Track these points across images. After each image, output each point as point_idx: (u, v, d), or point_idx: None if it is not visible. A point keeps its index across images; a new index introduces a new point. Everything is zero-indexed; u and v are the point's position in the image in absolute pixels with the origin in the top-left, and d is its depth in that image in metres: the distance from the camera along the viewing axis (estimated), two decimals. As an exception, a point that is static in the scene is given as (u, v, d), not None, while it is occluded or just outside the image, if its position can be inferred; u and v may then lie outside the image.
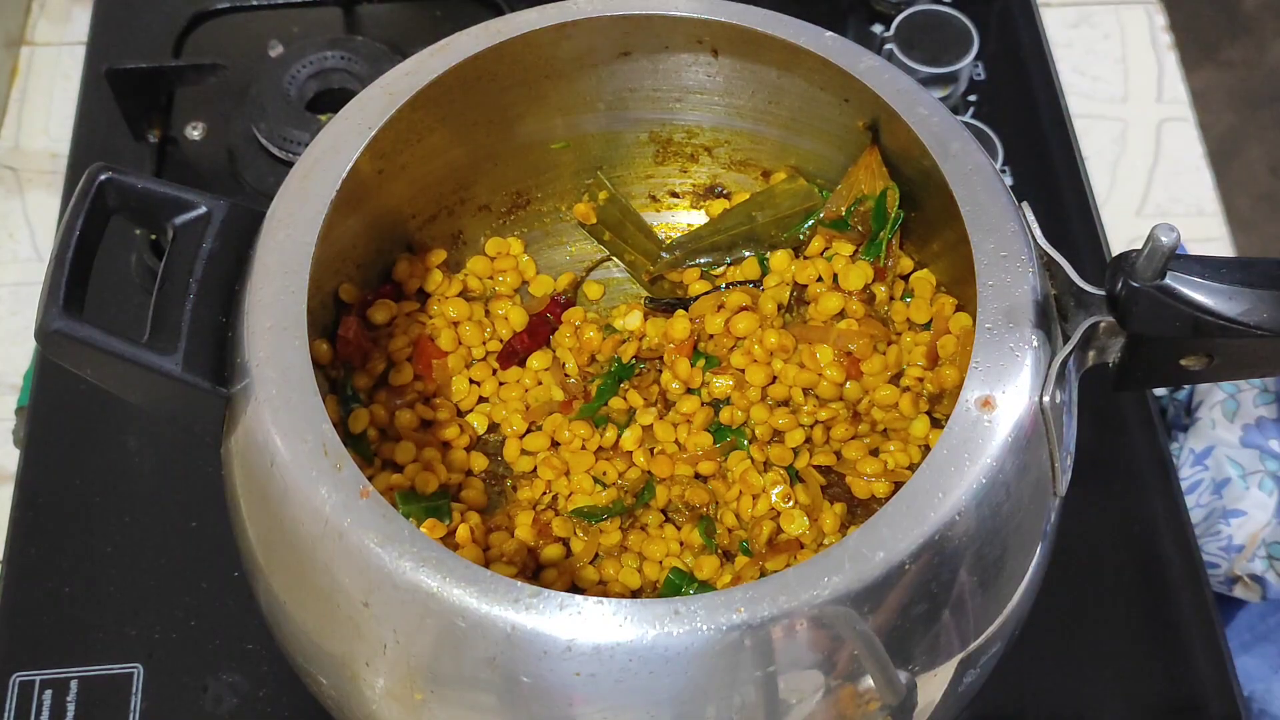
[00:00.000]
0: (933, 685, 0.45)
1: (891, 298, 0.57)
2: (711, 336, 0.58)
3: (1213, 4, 1.64)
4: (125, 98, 0.75)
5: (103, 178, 0.48)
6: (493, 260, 0.62)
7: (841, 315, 0.57)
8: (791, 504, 0.54)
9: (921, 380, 0.55)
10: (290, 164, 0.53)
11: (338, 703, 0.47)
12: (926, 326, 0.56)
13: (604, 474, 0.57)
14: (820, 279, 0.58)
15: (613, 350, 0.59)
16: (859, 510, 0.55)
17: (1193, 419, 0.70)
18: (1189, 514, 0.66)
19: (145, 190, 0.49)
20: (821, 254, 0.59)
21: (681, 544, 0.55)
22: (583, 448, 0.57)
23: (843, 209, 0.58)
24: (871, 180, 0.56)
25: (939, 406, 0.55)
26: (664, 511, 0.56)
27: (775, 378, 0.57)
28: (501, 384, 0.60)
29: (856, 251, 0.58)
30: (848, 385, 0.56)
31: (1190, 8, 1.60)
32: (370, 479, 0.44)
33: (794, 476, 0.55)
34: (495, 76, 0.55)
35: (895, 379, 0.56)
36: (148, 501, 0.66)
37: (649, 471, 0.57)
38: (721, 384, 0.57)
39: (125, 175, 0.48)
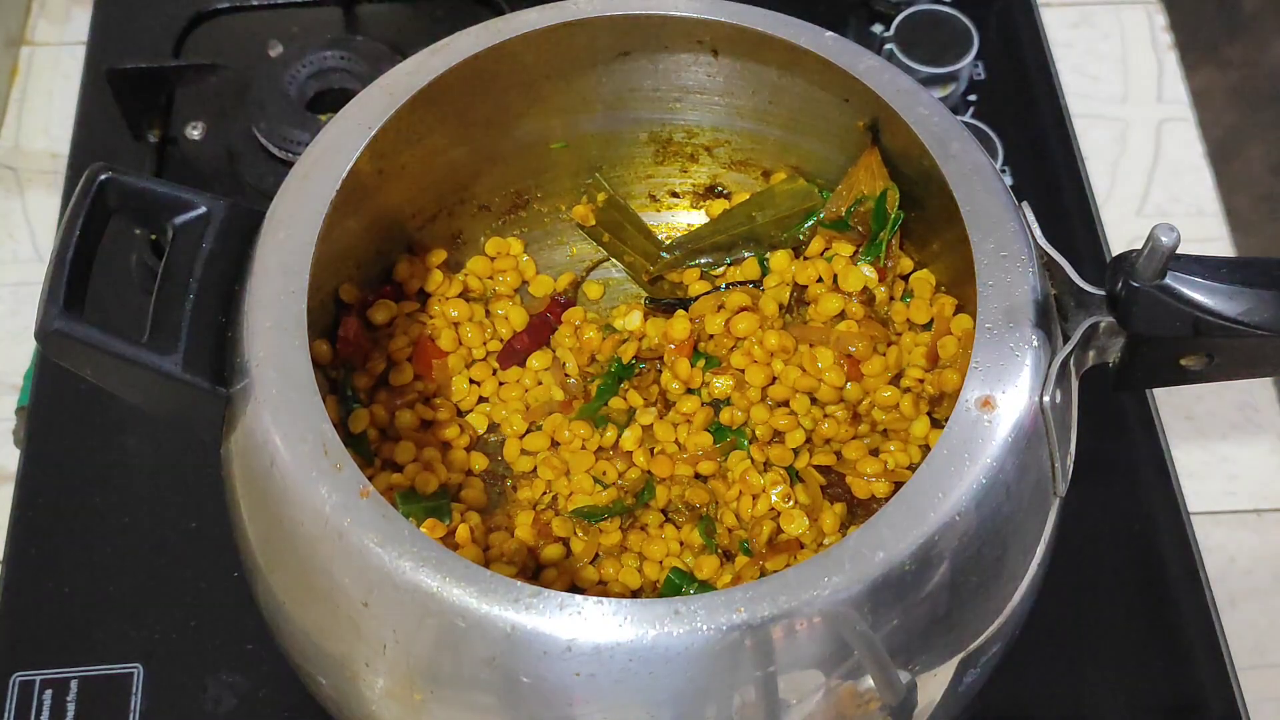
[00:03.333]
0: (933, 685, 0.45)
1: (891, 298, 0.57)
2: (711, 337, 0.58)
3: (1213, 4, 1.64)
4: (125, 98, 0.75)
5: (103, 177, 0.48)
6: (493, 260, 0.62)
7: (841, 316, 0.57)
8: (791, 504, 0.54)
9: (922, 381, 0.55)
10: (290, 164, 0.52)
11: (337, 703, 0.47)
12: (927, 327, 0.56)
13: (604, 474, 0.57)
14: (820, 280, 0.58)
15: (613, 350, 0.59)
16: (859, 510, 0.55)
17: None
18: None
19: (145, 190, 0.49)
20: (821, 254, 0.59)
21: (681, 544, 0.55)
22: (582, 448, 0.57)
23: (843, 209, 0.58)
24: (871, 180, 0.56)
25: (939, 409, 0.54)
26: (664, 512, 0.56)
27: (775, 378, 0.57)
28: (501, 384, 0.60)
29: (856, 252, 0.58)
30: (848, 387, 0.56)
31: (1190, 8, 1.60)
32: (370, 479, 0.44)
33: (794, 476, 0.55)
34: (495, 76, 0.55)
35: (895, 380, 0.56)
36: (148, 502, 0.66)
37: (649, 471, 0.57)
38: (721, 384, 0.57)
39: (125, 175, 0.48)
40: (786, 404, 0.57)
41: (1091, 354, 0.49)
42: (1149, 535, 0.65)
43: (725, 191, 0.63)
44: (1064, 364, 0.45)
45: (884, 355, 0.56)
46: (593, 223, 0.63)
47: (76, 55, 0.85)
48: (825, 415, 0.56)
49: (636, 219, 0.63)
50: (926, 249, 0.57)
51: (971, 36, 0.78)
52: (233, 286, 0.48)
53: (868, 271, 0.57)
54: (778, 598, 0.40)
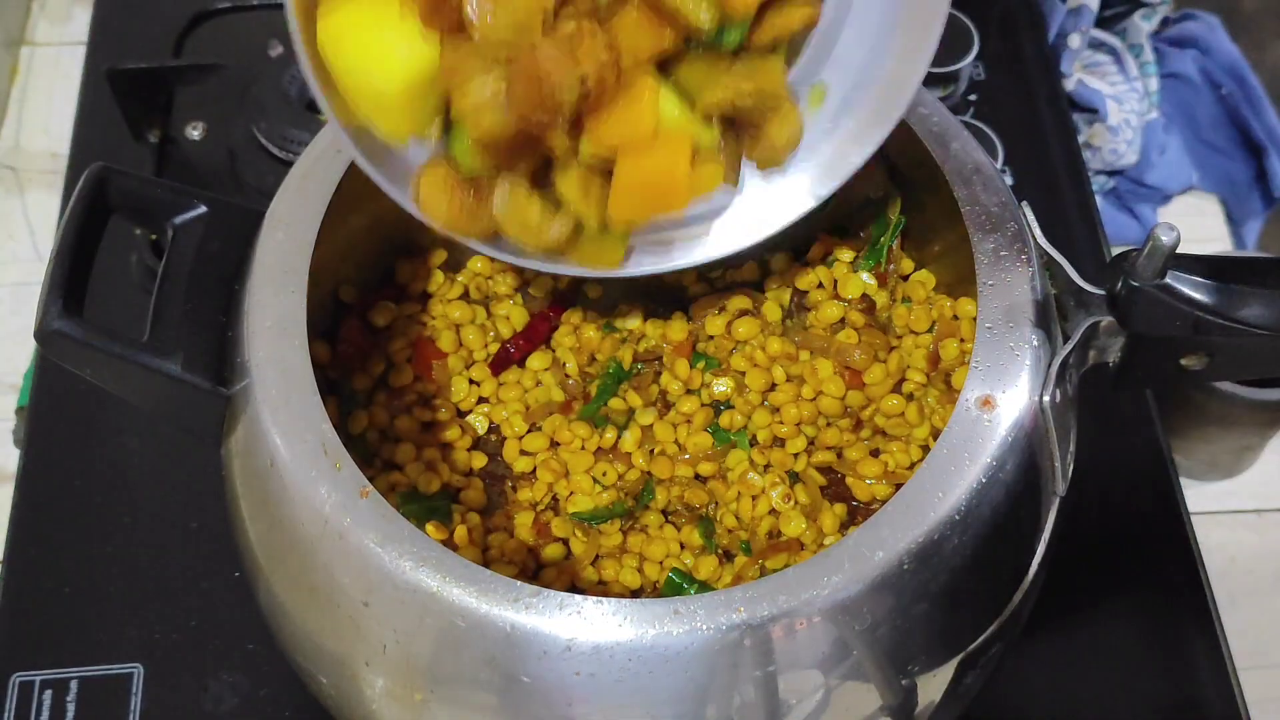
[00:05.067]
0: (932, 686, 0.45)
1: (893, 300, 0.57)
2: (711, 338, 0.58)
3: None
4: (125, 98, 0.75)
5: (102, 177, 0.48)
6: (493, 260, 0.62)
7: (842, 324, 0.56)
8: (792, 504, 0.54)
9: (925, 386, 0.54)
10: (290, 163, 0.52)
11: (338, 703, 0.47)
12: (929, 331, 0.56)
13: (603, 475, 0.56)
14: (820, 286, 0.57)
15: (613, 350, 0.59)
16: (860, 511, 0.55)
17: None
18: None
19: (145, 190, 0.49)
20: (822, 259, 0.58)
21: (681, 545, 0.55)
22: (582, 448, 0.57)
23: (844, 213, 0.58)
24: (871, 182, 0.56)
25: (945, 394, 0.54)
26: (664, 513, 0.56)
27: (775, 385, 0.56)
28: (501, 384, 0.60)
29: (857, 258, 0.58)
30: (849, 394, 0.56)
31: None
32: (370, 479, 0.44)
33: (794, 478, 0.55)
34: (495, 76, 0.55)
35: (899, 386, 0.55)
36: (148, 501, 0.66)
37: (649, 472, 0.56)
38: (722, 387, 0.57)
39: (125, 175, 0.48)
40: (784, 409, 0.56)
41: (1091, 354, 0.49)
42: (1149, 535, 0.65)
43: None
44: (1064, 364, 0.45)
45: (884, 363, 0.55)
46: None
47: (77, 55, 0.86)
48: (828, 424, 0.56)
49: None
50: (927, 249, 0.57)
51: (972, 36, 0.78)
52: (233, 286, 0.48)
53: (867, 279, 0.57)
54: (777, 597, 0.40)
